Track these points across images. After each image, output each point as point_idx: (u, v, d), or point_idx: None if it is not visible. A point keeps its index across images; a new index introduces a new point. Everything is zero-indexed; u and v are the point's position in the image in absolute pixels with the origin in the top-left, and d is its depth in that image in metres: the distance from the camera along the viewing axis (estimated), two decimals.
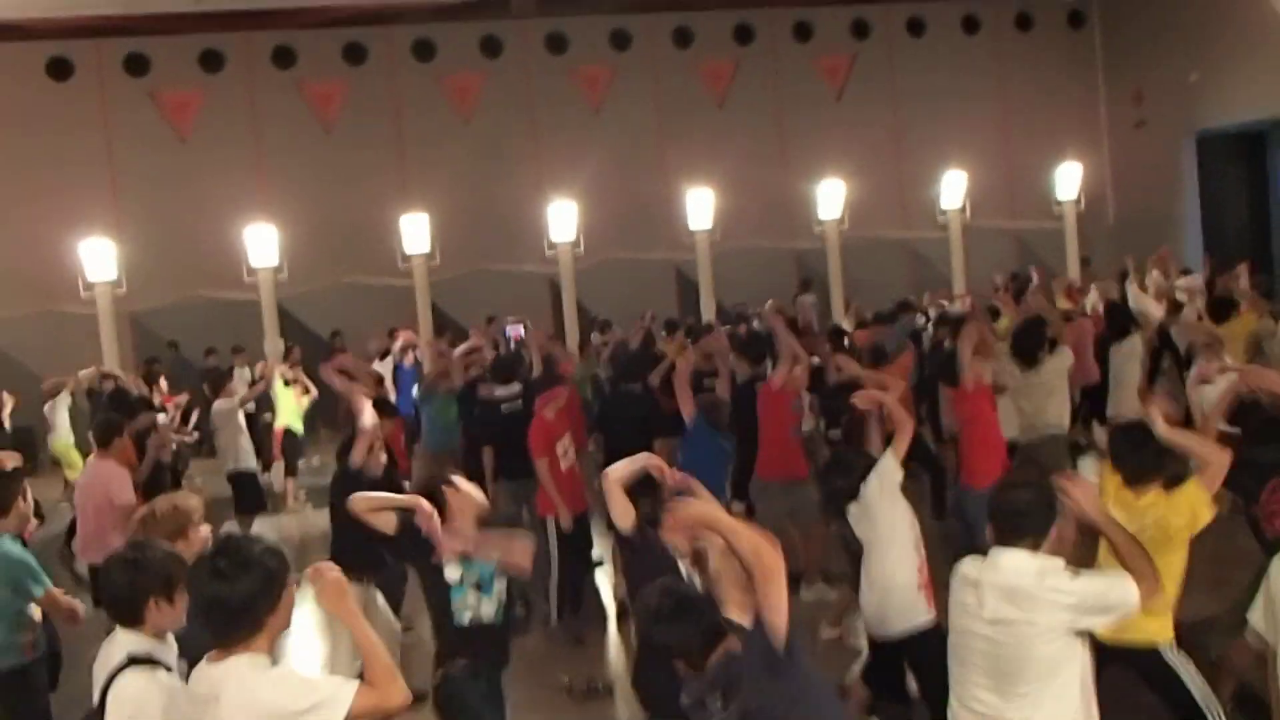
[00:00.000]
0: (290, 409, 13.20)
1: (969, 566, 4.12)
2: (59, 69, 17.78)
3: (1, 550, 5.58)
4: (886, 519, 5.75)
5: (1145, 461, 5.10)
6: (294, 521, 12.18)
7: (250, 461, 11.02)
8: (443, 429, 10.70)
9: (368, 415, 7.07)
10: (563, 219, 16.36)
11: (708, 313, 16.44)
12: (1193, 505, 4.90)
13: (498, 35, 19.25)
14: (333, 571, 3.36)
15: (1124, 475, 5.13)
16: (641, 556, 5.11)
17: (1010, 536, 4.00)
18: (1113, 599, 3.93)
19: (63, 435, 12.97)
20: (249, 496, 10.89)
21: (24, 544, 6.02)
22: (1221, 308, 10.64)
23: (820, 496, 6.82)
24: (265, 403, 13.39)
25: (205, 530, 4.55)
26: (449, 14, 18.50)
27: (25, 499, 5.86)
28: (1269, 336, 9.93)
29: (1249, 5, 17.74)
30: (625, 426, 9.02)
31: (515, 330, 15.35)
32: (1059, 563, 3.98)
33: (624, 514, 4.97)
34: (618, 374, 10.66)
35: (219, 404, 11.14)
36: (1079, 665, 3.99)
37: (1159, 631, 4.94)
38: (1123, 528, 4.11)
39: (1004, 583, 3.95)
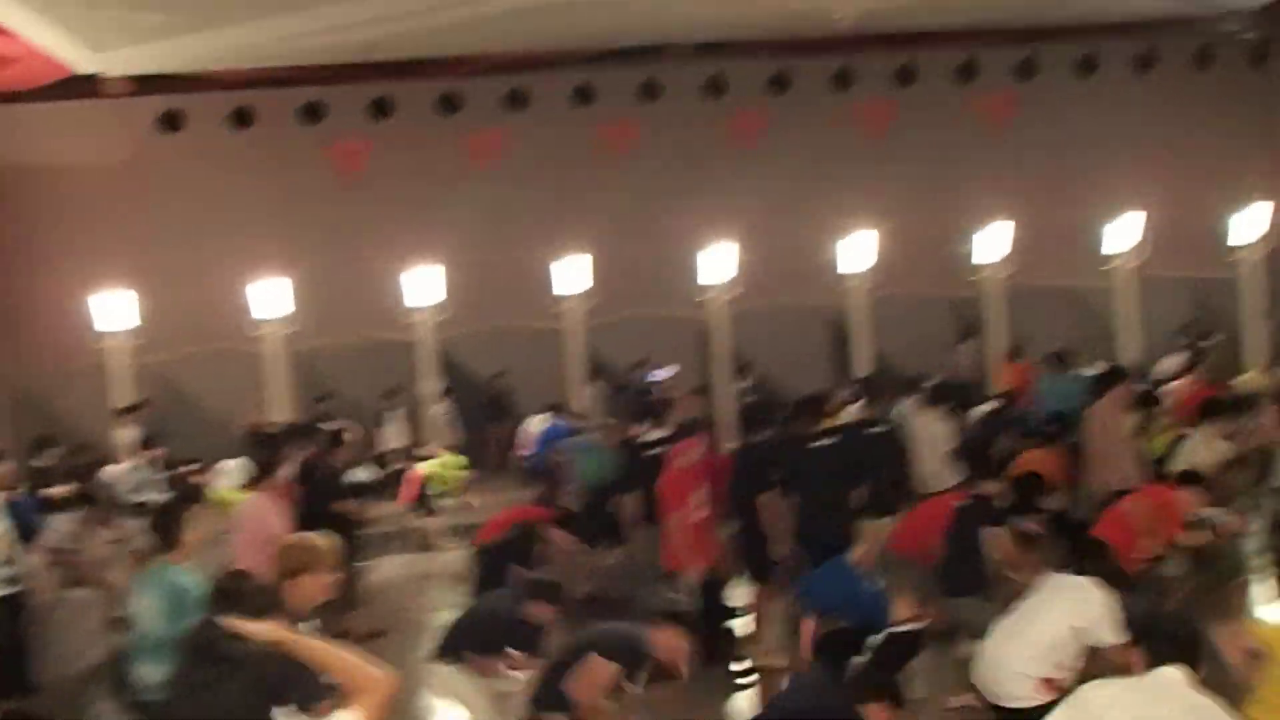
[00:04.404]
0: (438, 464, 13.41)
1: None
2: (240, 117, 18.63)
3: (175, 580, 5.75)
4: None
5: None
6: (441, 559, 12.36)
7: None
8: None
9: None
10: (715, 263, 16.27)
11: (860, 364, 16.09)
12: None
13: (655, 79, 19.40)
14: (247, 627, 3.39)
15: None
16: None
17: None
18: None
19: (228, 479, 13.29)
20: None
21: None
22: None
23: None
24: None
25: (333, 578, 4.59)
26: (605, 59, 18.75)
27: (194, 532, 6.02)
28: None
29: None
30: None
31: (663, 373, 15.31)
32: None
33: None
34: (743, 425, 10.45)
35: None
36: None
37: None
38: None
39: None
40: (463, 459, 13.99)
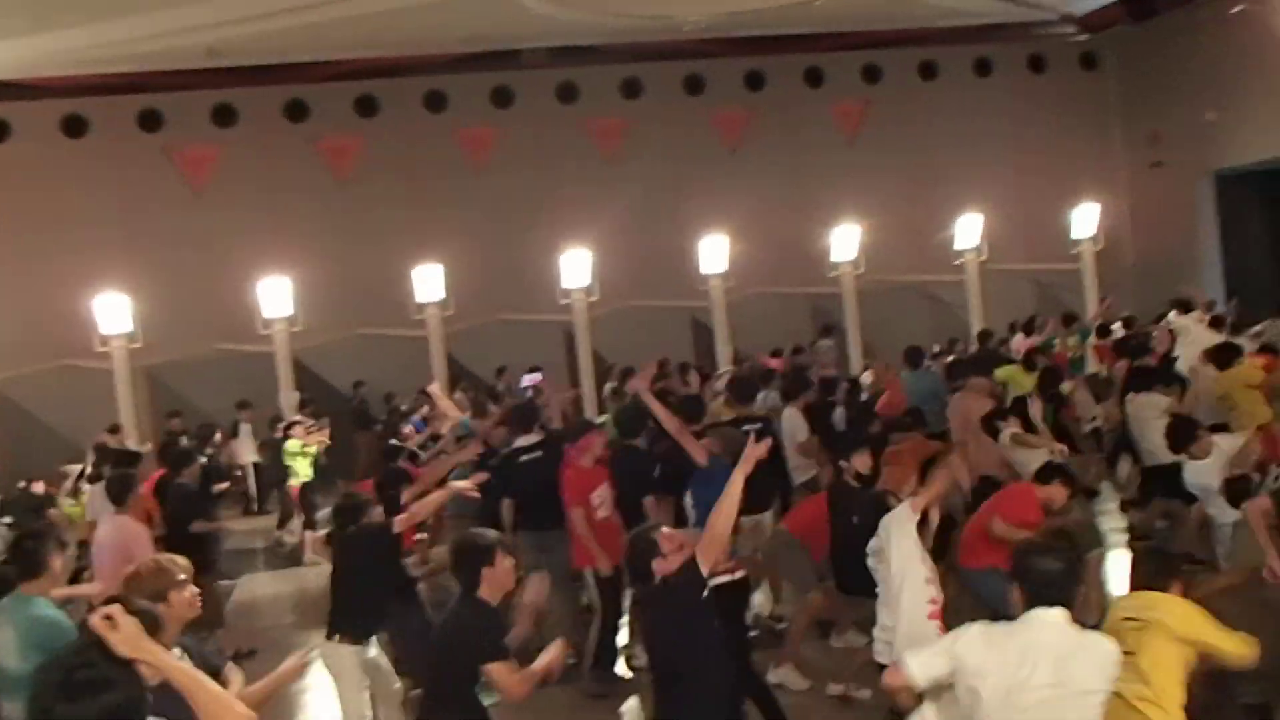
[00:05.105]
0: (306, 468, 13.05)
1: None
2: (73, 126, 17.84)
3: (34, 613, 5.34)
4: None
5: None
6: (314, 574, 12.03)
7: None
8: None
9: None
10: (576, 267, 16.26)
11: (723, 360, 16.28)
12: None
13: (509, 86, 19.29)
14: (122, 617, 3.22)
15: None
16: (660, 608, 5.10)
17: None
18: None
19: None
20: None
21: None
22: (1224, 353, 10.36)
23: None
24: (278, 463, 13.30)
25: (191, 593, 4.42)
26: (460, 66, 18.56)
27: (59, 559, 5.63)
28: None
29: (1264, 44, 17.69)
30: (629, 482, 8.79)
31: (532, 379, 15.21)
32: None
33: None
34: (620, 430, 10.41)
35: None
36: None
37: None
38: None
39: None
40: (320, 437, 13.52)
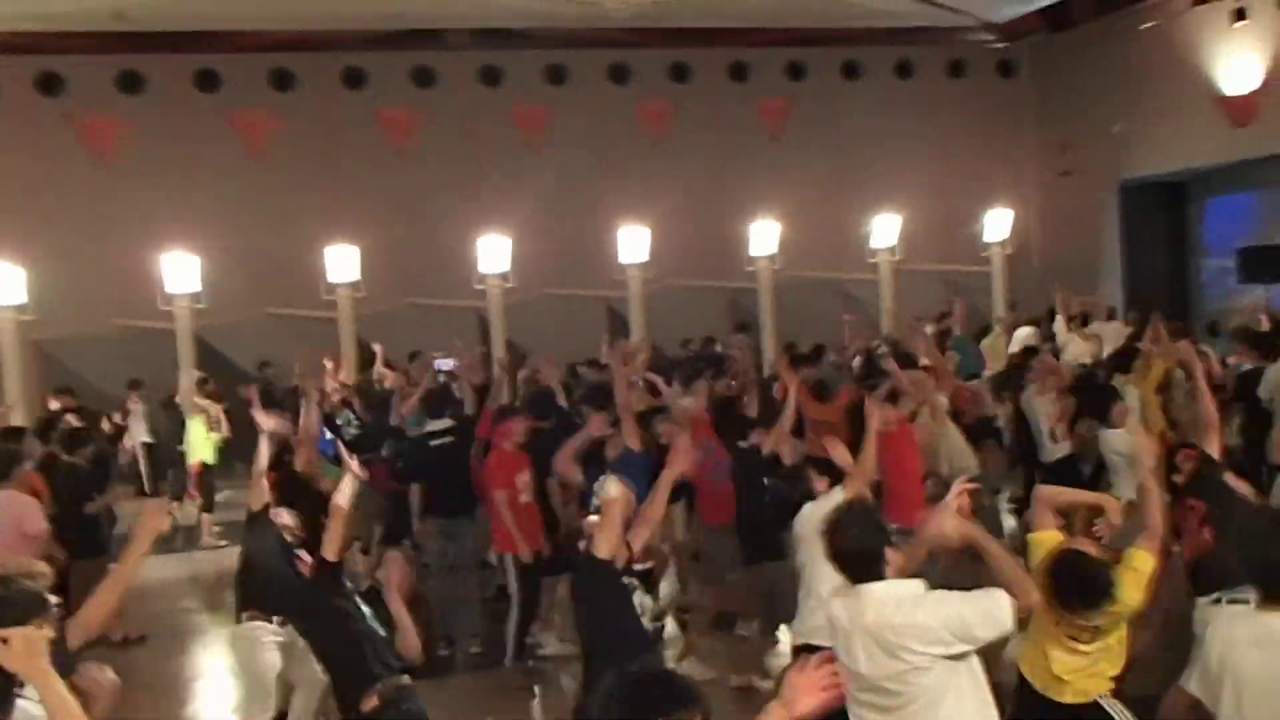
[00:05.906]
0: (202, 442, 12.74)
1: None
2: None
3: None
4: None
5: None
6: (209, 558, 11.74)
7: None
8: None
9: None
10: (493, 252, 16.07)
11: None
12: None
13: (431, 67, 18.97)
14: (18, 637, 3.38)
15: None
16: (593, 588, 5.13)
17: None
18: (983, 620, 3.84)
19: None
20: None
21: None
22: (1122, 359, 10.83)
23: None
24: (176, 436, 12.93)
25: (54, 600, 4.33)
26: (381, 43, 18.21)
27: None
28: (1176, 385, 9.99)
29: (1173, 59, 18.12)
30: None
31: (445, 363, 14.95)
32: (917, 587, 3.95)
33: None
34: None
35: None
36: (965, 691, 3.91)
37: (1096, 687, 4.79)
38: (992, 539, 4.09)
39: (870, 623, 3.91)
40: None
